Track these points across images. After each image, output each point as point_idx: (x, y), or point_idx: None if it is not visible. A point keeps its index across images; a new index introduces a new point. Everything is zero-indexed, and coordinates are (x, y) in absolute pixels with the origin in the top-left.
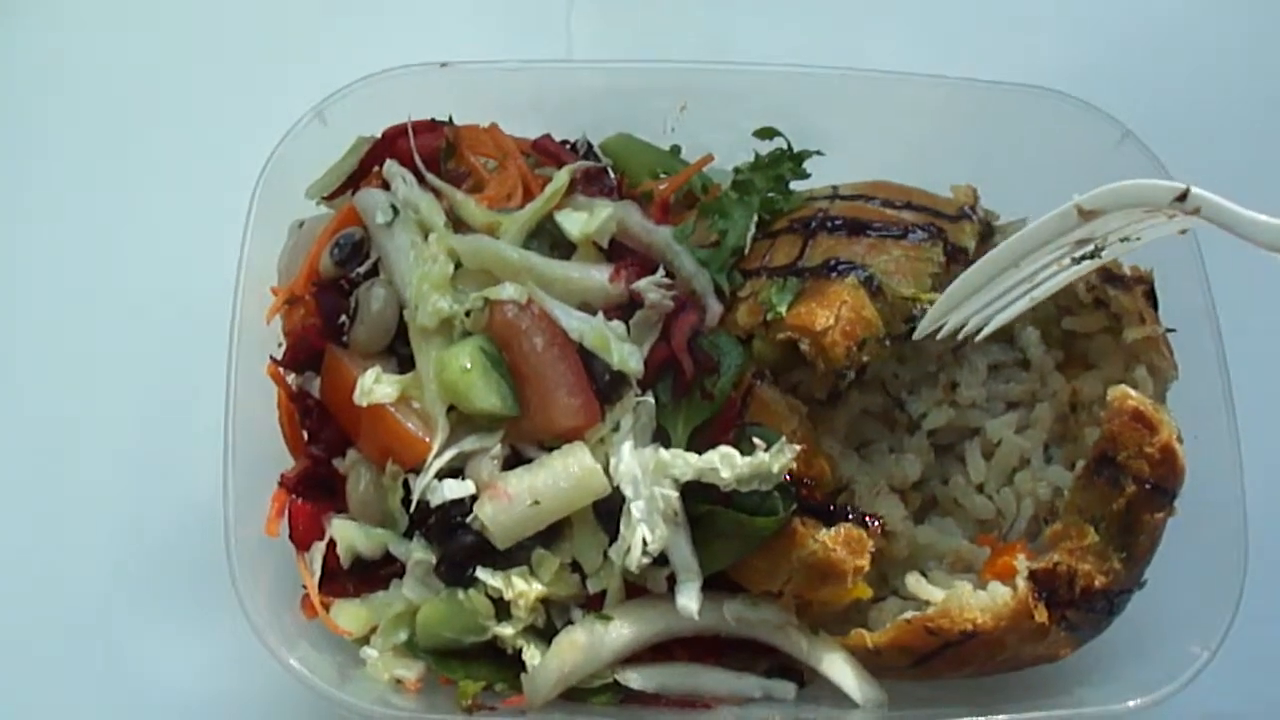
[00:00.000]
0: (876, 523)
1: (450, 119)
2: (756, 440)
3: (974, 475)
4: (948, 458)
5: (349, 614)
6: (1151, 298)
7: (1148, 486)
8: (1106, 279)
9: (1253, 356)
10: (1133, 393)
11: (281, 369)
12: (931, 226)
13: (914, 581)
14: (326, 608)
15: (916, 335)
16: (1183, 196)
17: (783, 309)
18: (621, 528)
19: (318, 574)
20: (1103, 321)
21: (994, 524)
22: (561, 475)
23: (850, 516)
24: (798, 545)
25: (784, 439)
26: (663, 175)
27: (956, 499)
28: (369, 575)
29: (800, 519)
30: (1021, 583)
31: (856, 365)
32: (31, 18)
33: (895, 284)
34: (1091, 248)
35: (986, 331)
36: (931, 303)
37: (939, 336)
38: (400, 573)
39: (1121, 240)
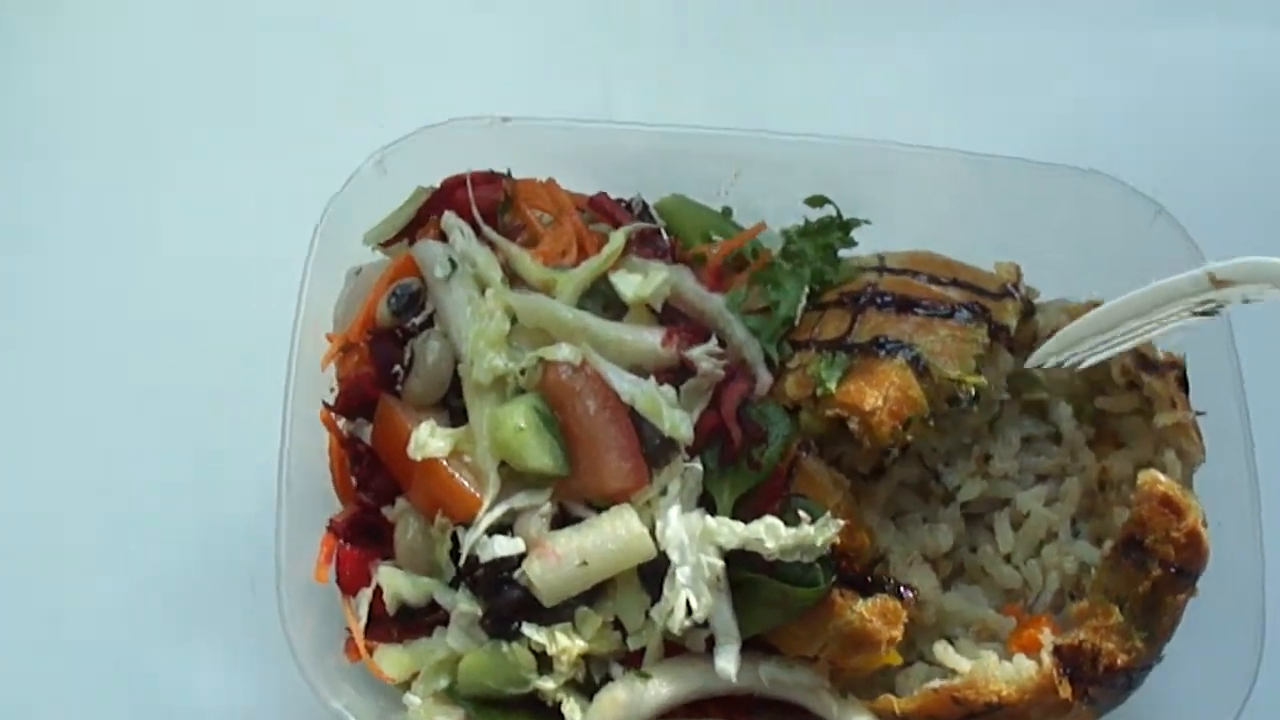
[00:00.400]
0: (911, 594)
1: (509, 172)
2: (801, 513)
3: (1002, 545)
4: (977, 527)
5: (392, 659)
6: (1183, 383)
7: (1172, 570)
8: (1140, 364)
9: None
10: (1162, 478)
11: (333, 414)
12: (976, 305)
13: (941, 649)
14: (370, 652)
15: (1030, 363)
16: None
17: (832, 385)
18: (665, 590)
19: (364, 620)
20: (1134, 403)
21: (1020, 594)
22: (609, 538)
23: (887, 587)
24: (836, 615)
25: (829, 513)
26: (715, 238)
27: (984, 568)
28: (412, 622)
29: (839, 589)
30: (1047, 657)
31: (901, 444)
32: (96, 59)
33: (941, 365)
34: (1212, 305)
35: (1086, 364)
36: (976, 385)
37: (1045, 365)
38: (443, 620)
39: (1243, 301)
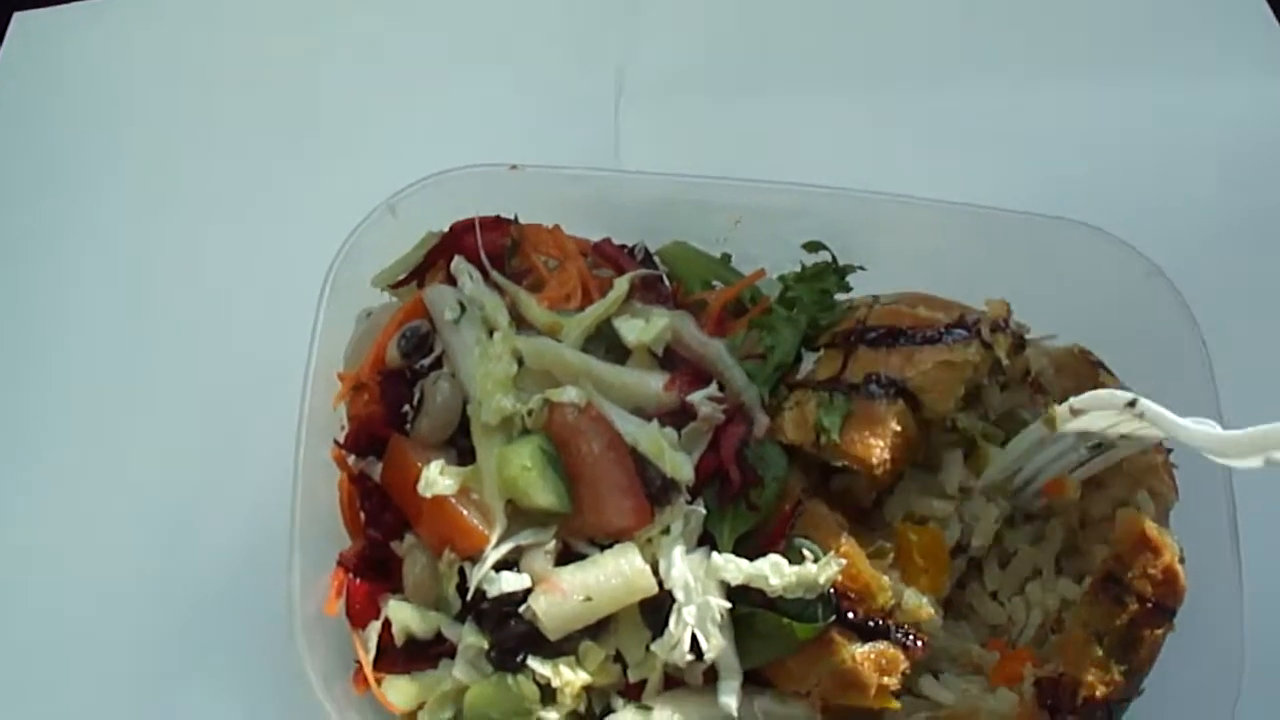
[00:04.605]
0: (920, 644)
1: (516, 218)
2: (805, 552)
3: (990, 583)
4: (961, 562)
5: (398, 689)
6: None
7: (1150, 605)
8: None
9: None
10: (1140, 517)
11: (343, 451)
12: (966, 323)
13: (929, 683)
14: (378, 682)
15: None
16: (1132, 403)
17: (836, 435)
18: (670, 625)
19: (373, 652)
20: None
21: (1004, 629)
22: (613, 574)
23: (893, 635)
24: (831, 654)
25: (832, 553)
26: (715, 284)
27: (972, 604)
28: (419, 653)
29: (838, 630)
30: (1028, 690)
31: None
32: (118, 98)
33: (932, 401)
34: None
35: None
36: (965, 429)
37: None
38: (449, 652)
39: (1122, 438)
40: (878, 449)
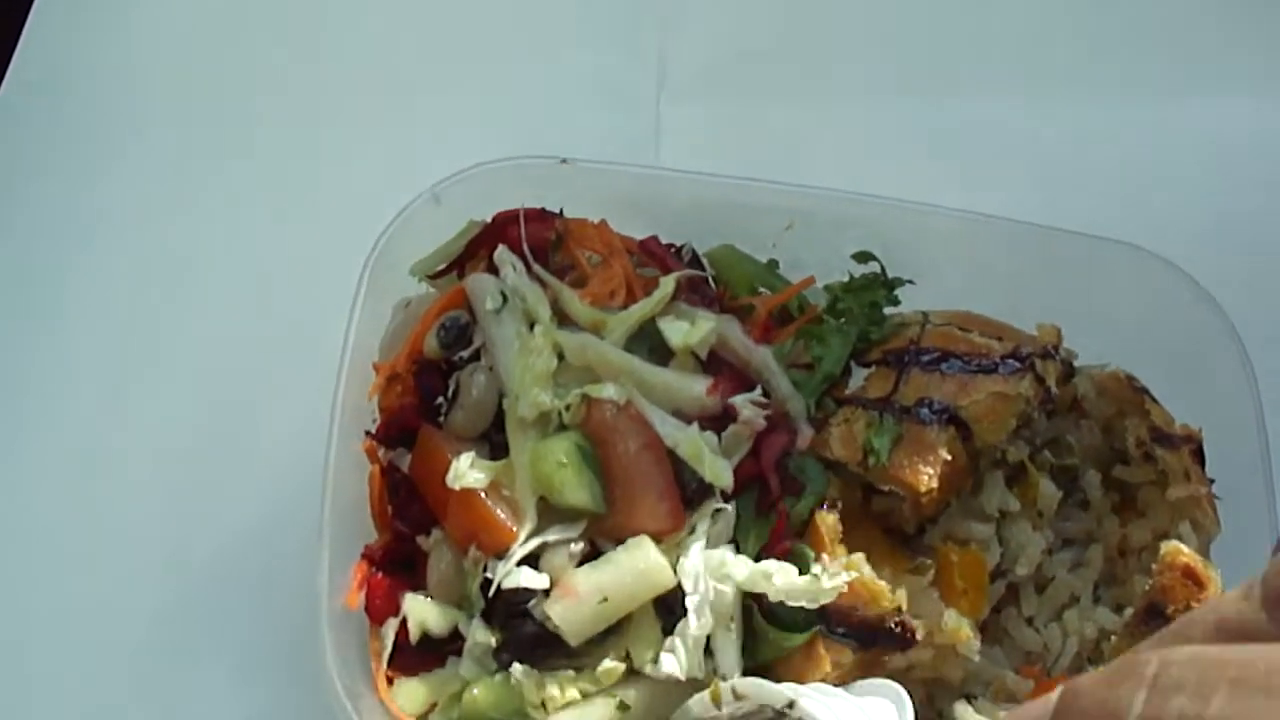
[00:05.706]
0: (910, 634)
1: (561, 211)
2: (816, 564)
3: (1026, 608)
4: (999, 587)
5: (408, 693)
6: (1199, 456)
7: None
8: (1156, 438)
9: None
10: (1184, 549)
11: (375, 443)
12: (1020, 354)
13: (961, 709)
14: (390, 681)
15: None
16: (791, 705)
17: (885, 458)
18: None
19: (389, 650)
20: (1151, 474)
21: (1039, 657)
22: (628, 570)
23: (880, 641)
24: (816, 667)
25: (839, 563)
26: (761, 290)
27: (1007, 629)
28: (432, 652)
29: (825, 642)
30: None
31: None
32: (153, 76)
33: (984, 431)
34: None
35: None
36: (1016, 460)
37: None
38: (460, 651)
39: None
40: (926, 476)
